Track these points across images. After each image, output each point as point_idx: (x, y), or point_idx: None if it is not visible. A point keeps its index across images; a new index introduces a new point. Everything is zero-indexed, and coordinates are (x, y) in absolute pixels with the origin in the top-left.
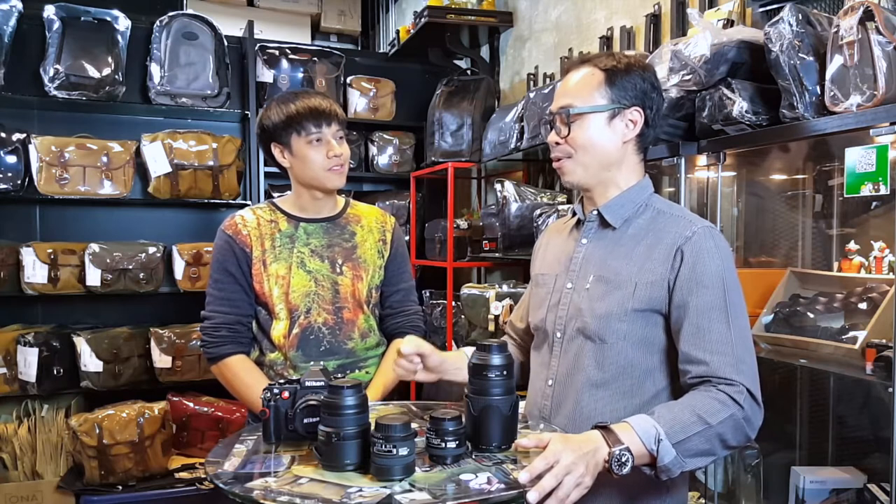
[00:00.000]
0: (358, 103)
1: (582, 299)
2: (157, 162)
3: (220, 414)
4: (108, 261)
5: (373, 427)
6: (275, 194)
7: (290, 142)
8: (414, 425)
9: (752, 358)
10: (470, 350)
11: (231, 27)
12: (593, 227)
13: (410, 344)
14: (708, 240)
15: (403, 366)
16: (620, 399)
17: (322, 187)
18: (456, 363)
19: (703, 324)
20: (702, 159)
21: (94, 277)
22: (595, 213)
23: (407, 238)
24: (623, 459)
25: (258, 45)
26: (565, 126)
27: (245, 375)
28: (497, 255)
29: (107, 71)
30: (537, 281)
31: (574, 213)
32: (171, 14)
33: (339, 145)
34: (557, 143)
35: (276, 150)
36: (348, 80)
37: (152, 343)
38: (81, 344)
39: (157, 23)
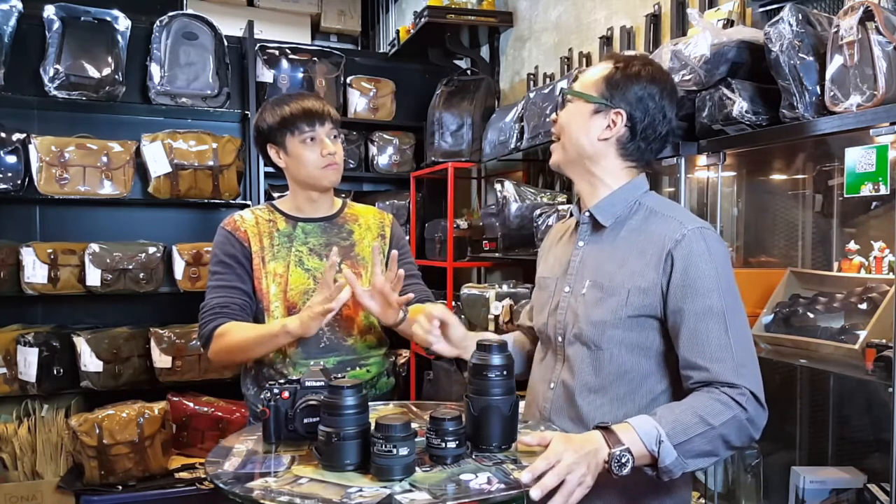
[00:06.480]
0: (358, 103)
1: (578, 304)
2: (157, 162)
3: (220, 414)
4: (108, 261)
5: (373, 427)
6: (275, 194)
7: (284, 142)
8: (414, 425)
9: (754, 360)
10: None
11: (231, 27)
12: (588, 228)
13: (438, 308)
14: (699, 242)
15: (422, 324)
16: (618, 404)
17: (318, 185)
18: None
19: (700, 330)
20: (702, 159)
21: (94, 277)
22: (588, 214)
23: (407, 238)
24: (623, 460)
25: (258, 45)
26: (562, 105)
27: (240, 331)
28: (497, 255)
29: (107, 71)
30: (540, 284)
31: (573, 214)
32: (171, 14)
33: (333, 143)
34: (554, 121)
35: (272, 151)
36: (348, 80)
37: (152, 343)
38: (81, 344)
39: (157, 23)
